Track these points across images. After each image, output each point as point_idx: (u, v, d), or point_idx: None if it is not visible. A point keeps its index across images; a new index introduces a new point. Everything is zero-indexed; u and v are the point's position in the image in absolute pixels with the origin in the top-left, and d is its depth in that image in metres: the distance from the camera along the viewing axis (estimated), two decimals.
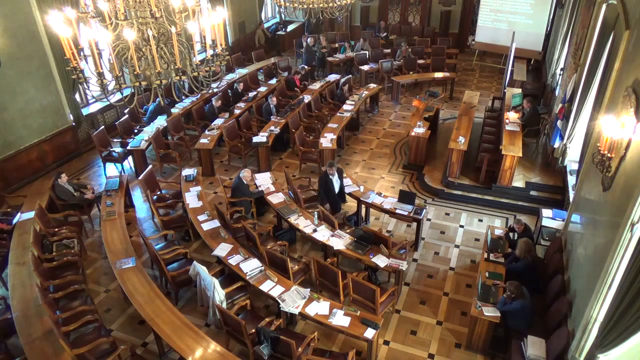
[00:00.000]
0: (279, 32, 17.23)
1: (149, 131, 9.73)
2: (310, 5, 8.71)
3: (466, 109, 10.40)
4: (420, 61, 13.94)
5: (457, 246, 7.70)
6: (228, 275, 6.46)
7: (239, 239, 7.10)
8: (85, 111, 10.54)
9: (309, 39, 14.46)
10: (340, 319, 5.49)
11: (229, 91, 11.98)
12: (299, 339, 5.32)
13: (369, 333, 5.33)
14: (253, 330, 5.36)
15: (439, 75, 13.20)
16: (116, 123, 10.21)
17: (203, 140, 9.50)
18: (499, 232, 7.00)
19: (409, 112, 12.17)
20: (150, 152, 9.89)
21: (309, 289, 5.92)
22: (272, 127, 9.96)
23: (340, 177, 7.89)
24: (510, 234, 6.93)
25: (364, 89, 11.98)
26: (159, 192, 8.30)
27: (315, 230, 7.02)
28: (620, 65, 5.49)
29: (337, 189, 7.84)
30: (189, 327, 5.30)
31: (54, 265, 6.50)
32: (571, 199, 7.04)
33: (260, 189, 8.03)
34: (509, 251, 6.58)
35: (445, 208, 8.64)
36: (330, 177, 7.72)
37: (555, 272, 6.06)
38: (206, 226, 7.06)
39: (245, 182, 7.79)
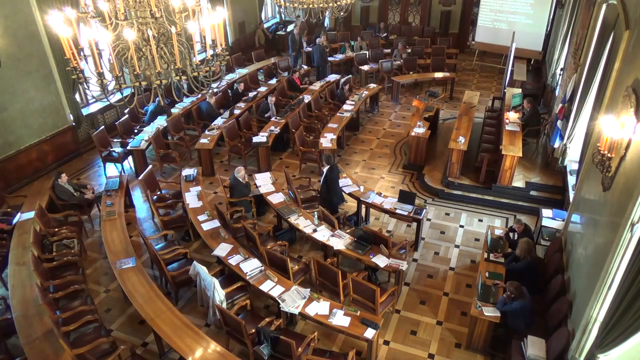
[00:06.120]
0: (279, 32, 17.23)
1: (149, 131, 9.72)
2: (310, 5, 8.71)
3: (466, 109, 10.40)
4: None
5: (457, 246, 7.70)
6: (228, 275, 6.46)
7: (239, 239, 7.11)
8: (85, 111, 10.54)
9: (318, 39, 13.94)
10: (340, 319, 5.49)
11: (229, 91, 11.98)
12: (299, 339, 5.32)
13: (369, 333, 5.33)
14: (253, 330, 5.36)
15: (439, 75, 13.19)
16: (116, 123, 10.21)
17: (203, 140, 9.51)
18: (499, 232, 7.00)
19: (409, 112, 12.16)
20: (150, 152, 9.88)
21: (309, 289, 5.92)
22: (272, 127, 9.96)
23: (330, 174, 7.54)
24: (510, 234, 6.93)
25: (364, 89, 11.97)
26: (159, 192, 8.29)
27: (315, 230, 7.02)
28: (620, 65, 5.49)
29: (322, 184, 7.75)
30: (189, 327, 5.30)
31: (54, 265, 6.50)
32: (571, 199, 7.03)
33: (257, 187, 8.05)
34: (509, 251, 6.58)
35: (445, 208, 8.63)
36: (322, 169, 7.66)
37: (555, 272, 6.06)
38: (206, 226, 7.06)
39: (241, 181, 7.80)
